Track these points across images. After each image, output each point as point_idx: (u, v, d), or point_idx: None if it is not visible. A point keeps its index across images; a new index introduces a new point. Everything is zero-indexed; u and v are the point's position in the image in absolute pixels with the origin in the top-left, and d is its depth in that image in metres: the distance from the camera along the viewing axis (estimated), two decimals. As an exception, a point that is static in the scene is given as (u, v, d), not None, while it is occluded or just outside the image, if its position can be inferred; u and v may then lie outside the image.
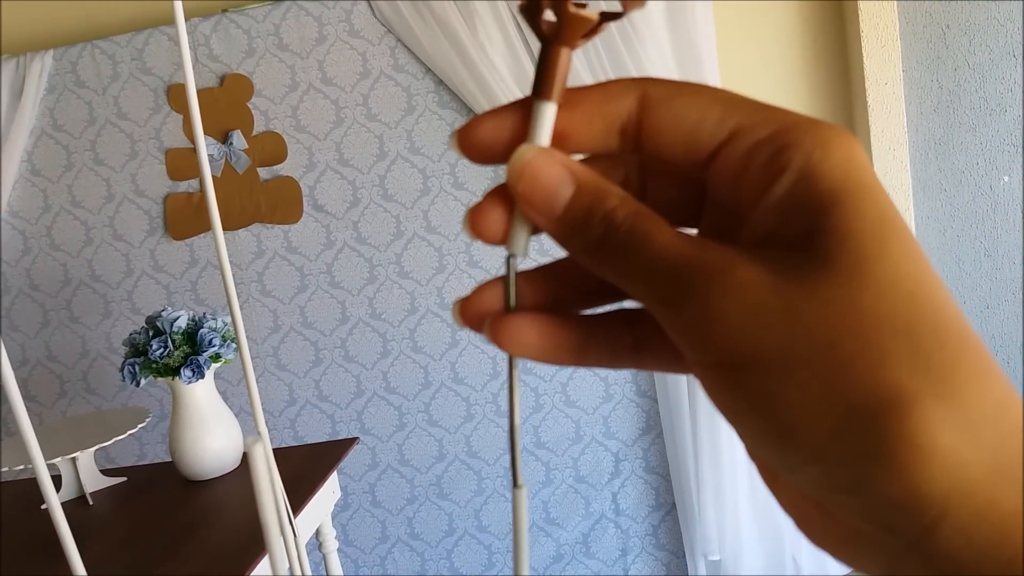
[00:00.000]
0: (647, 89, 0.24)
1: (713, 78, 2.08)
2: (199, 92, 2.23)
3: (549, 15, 0.24)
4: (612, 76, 2.01)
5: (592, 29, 0.24)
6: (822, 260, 0.21)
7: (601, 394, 2.29)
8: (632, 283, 0.23)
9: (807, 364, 0.20)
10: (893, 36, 2.18)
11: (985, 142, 2.25)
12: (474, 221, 0.26)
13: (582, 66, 2.03)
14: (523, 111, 0.25)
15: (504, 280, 0.26)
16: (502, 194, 0.25)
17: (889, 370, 0.19)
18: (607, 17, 0.24)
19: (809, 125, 0.23)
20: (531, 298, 0.27)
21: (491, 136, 0.25)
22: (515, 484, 0.26)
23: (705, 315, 0.21)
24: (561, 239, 0.24)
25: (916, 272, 0.21)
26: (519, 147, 0.24)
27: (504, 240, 0.26)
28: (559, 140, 0.25)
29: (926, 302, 0.20)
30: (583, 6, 0.23)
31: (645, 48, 2.02)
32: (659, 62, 2.04)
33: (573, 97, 0.25)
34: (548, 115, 0.24)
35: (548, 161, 0.24)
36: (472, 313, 0.26)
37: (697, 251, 0.22)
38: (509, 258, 0.26)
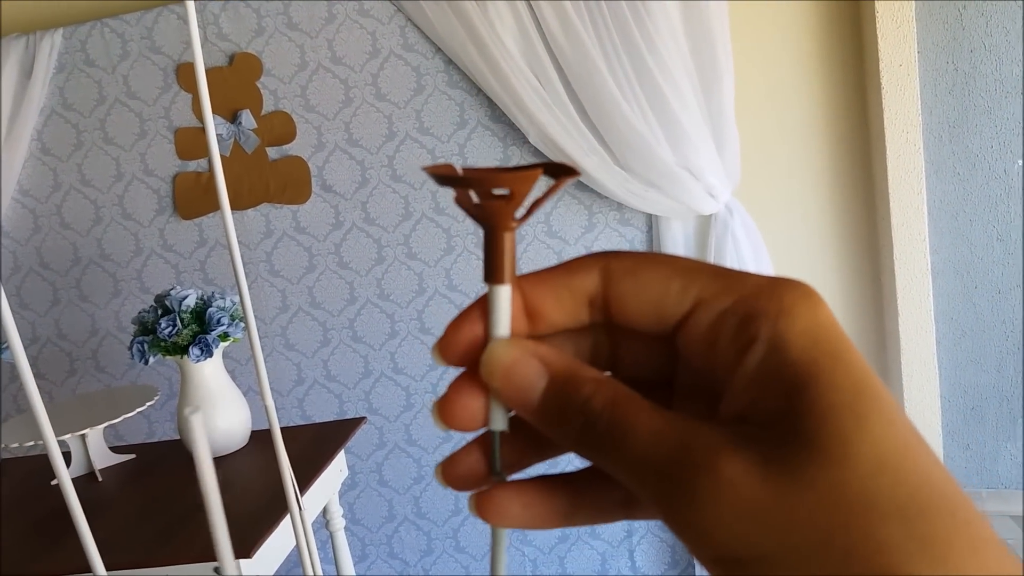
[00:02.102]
0: (609, 263, 0.25)
1: (726, 59, 2.05)
2: (208, 71, 2.23)
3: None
4: (632, 75, 1.99)
5: (525, 214, 0.24)
6: (805, 443, 0.21)
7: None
8: (620, 476, 0.23)
9: (806, 560, 0.20)
10: (908, 17, 2.15)
11: (1000, 125, 2.22)
12: (444, 413, 0.26)
13: (604, 65, 2.01)
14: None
15: (487, 448, 0.26)
16: (466, 381, 0.26)
17: (887, 557, 0.19)
18: (536, 203, 0.24)
19: (771, 290, 0.23)
20: (511, 454, 0.27)
21: (465, 341, 0.26)
22: (491, 424, 0.26)
23: (697, 512, 0.21)
24: (543, 429, 0.25)
25: (898, 445, 0.21)
26: (490, 344, 0.25)
27: (479, 425, 0.26)
28: (532, 318, 0.25)
29: (912, 478, 0.20)
30: (504, 196, 0.24)
31: (657, 27, 2.00)
32: (671, 39, 2.02)
33: (540, 277, 0.25)
34: (504, 298, 0.24)
35: (519, 354, 0.24)
36: (454, 477, 0.26)
37: (681, 440, 0.22)
38: (492, 433, 0.26)
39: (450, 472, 0.26)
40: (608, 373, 0.25)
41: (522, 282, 0.25)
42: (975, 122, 2.23)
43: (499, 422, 0.26)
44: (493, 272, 0.24)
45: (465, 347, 0.26)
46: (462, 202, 0.24)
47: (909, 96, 2.18)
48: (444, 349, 0.26)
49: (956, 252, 2.31)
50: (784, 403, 0.21)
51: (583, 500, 0.26)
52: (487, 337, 0.25)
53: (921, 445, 0.21)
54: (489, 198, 0.24)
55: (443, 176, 0.24)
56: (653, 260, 0.25)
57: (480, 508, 0.26)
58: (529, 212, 0.24)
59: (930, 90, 2.23)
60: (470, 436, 0.27)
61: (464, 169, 0.23)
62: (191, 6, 0.36)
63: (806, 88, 2.27)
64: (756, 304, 0.23)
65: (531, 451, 0.27)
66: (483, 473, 0.26)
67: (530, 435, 0.26)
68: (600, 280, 0.25)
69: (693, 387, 0.25)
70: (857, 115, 2.29)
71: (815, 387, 0.21)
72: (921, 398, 2.29)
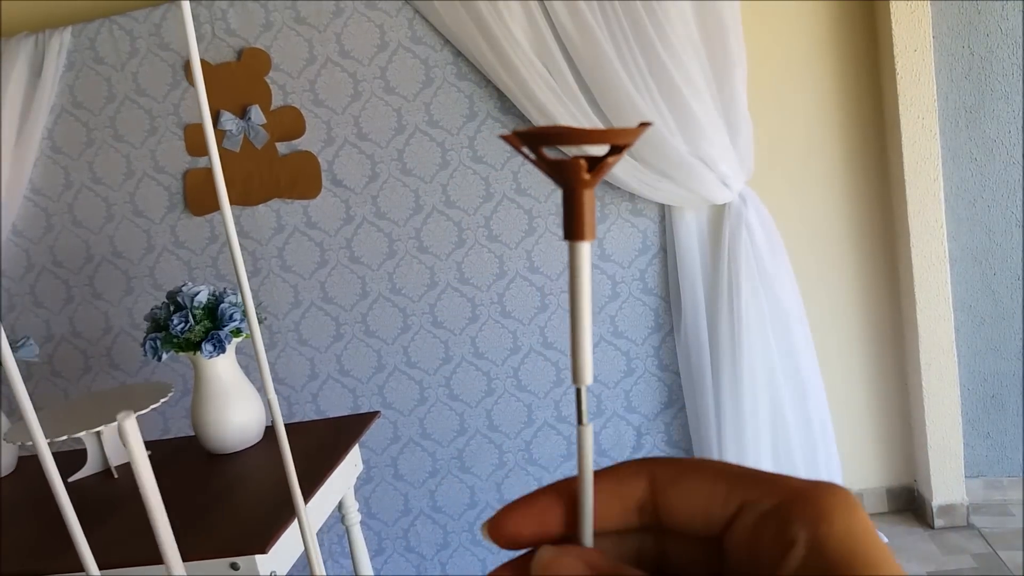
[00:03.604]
0: (654, 471, 0.27)
1: (738, 47, 2.03)
2: (217, 67, 2.22)
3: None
4: (643, 65, 1.97)
5: (598, 172, 0.25)
6: None
7: (623, 368, 2.28)
8: None
9: None
10: (923, 1, 2.12)
11: (1018, 110, 2.19)
12: None
13: (615, 54, 1.99)
14: (546, 501, 0.27)
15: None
16: (511, 568, 0.27)
17: None
18: (608, 162, 0.25)
19: (809, 495, 0.24)
20: None
21: (517, 529, 0.27)
22: (580, 422, 0.26)
23: None
24: None
25: None
26: (539, 550, 0.26)
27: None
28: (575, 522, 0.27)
29: None
30: (584, 156, 0.24)
31: (668, 15, 1.98)
32: (682, 27, 2.00)
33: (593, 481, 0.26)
34: (587, 253, 0.25)
35: (566, 561, 0.25)
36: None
37: None
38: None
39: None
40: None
41: (571, 486, 0.27)
42: (992, 107, 2.20)
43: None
44: (577, 229, 0.25)
45: (524, 536, 0.27)
46: (543, 164, 0.25)
47: (924, 81, 2.15)
48: (497, 532, 0.27)
49: (974, 239, 2.28)
50: None
51: None
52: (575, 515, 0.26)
53: None
54: (603, 165, 0.24)
55: (536, 135, 0.24)
56: (698, 467, 0.27)
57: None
58: (602, 171, 0.25)
59: (946, 75, 2.20)
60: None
61: (555, 127, 0.24)
62: (186, 7, 0.35)
63: (820, 75, 2.25)
64: (795, 509, 0.24)
65: None
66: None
67: None
68: (648, 486, 0.27)
69: None
70: (872, 101, 2.26)
71: None
72: (940, 387, 2.27)
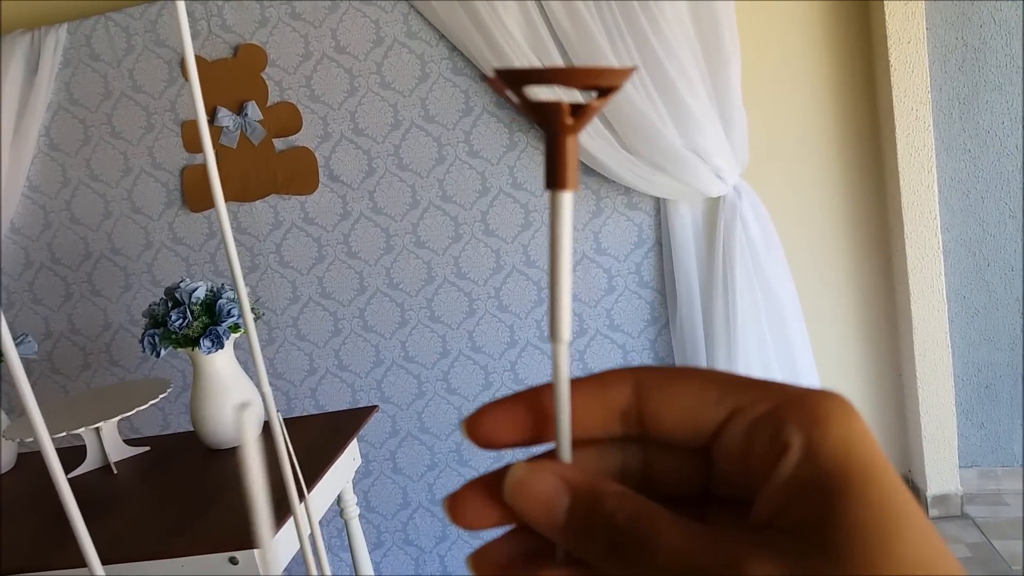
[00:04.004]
0: (640, 377, 0.25)
1: (732, 40, 2.04)
2: (213, 63, 2.23)
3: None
4: (637, 58, 1.98)
5: (582, 117, 0.24)
6: (834, 556, 0.21)
7: (619, 362, 2.29)
8: None
9: None
10: (916, -7, 2.13)
11: (1011, 101, 2.20)
12: (455, 512, 0.26)
13: (609, 48, 1.99)
14: (527, 403, 0.26)
15: (518, 542, 0.26)
16: (482, 485, 0.26)
17: None
18: (593, 108, 0.24)
19: (806, 400, 0.23)
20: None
21: (494, 429, 0.26)
22: (554, 339, 0.26)
23: None
24: (572, 548, 0.25)
25: (924, 562, 0.21)
26: (511, 467, 0.25)
27: (486, 524, 0.26)
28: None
29: None
30: (561, 102, 0.23)
31: (662, 8, 1.98)
32: (676, 20, 2.00)
33: (572, 389, 0.25)
34: (569, 203, 0.24)
35: (541, 476, 0.24)
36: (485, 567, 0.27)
37: (704, 553, 0.22)
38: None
39: (480, 563, 0.27)
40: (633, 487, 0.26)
41: (551, 390, 0.26)
42: (986, 98, 2.21)
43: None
44: (559, 177, 0.24)
45: (500, 436, 0.26)
46: (525, 106, 0.24)
47: (918, 73, 2.16)
48: (475, 429, 0.26)
49: (967, 230, 2.29)
50: (813, 513, 0.21)
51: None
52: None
53: (947, 560, 0.21)
54: (586, 110, 0.23)
55: (519, 74, 0.23)
56: (686, 373, 0.25)
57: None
58: (586, 115, 0.23)
59: (939, 66, 2.20)
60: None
61: (539, 68, 0.23)
62: (181, 6, 0.36)
63: (814, 68, 2.25)
64: (790, 413, 0.23)
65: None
66: (515, 566, 0.27)
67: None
68: (633, 394, 0.25)
69: (727, 497, 0.26)
70: (866, 93, 2.27)
71: (845, 500, 0.21)
72: (934, 377, 2.28)
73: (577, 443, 0.26)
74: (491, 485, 0.26)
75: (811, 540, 0.21)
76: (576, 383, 0.26)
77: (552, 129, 0.24)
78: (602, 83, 0.23)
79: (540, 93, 0.23)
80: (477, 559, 0.27)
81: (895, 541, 0.21)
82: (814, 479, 0.22)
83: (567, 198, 0.24)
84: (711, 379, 0.25)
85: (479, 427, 0.26)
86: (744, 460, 0.24)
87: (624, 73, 0.23)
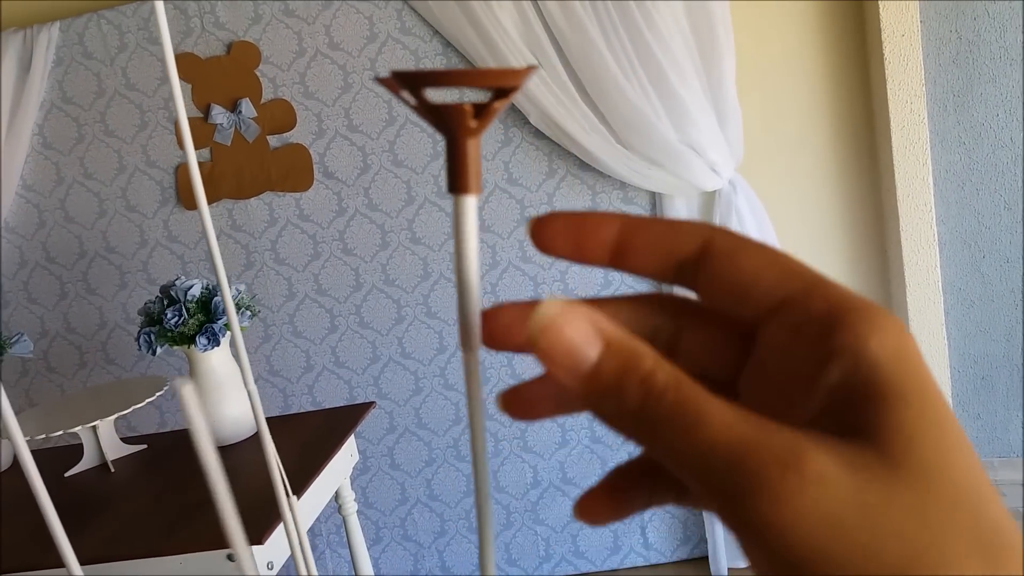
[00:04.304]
0: (714, 237, 0.24)
1: (726, 33, 2.04)
2: (206, 60, 2.22)
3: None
4: (631, 52, 1.98)
5: (484, 119, 0.23)
6: (891, 461, 0.20)
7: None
8: (684, 464, 0.21)
9: None
10: (910, -15, 2.13)
11: (1005, 93, 2.20)
12: (510, 403, 0.26)
13: (603, 42, 1.99)
14: (606, 219, 0.25)
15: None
16: (516, 308, 0.25)
17: None
18: (494, 108, 0.23)
19: (864, 308, 0.22)
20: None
21: (555, 233, 0.25)
22: (464, 348, 0.25)
23: (778, 511, 0.20)
24: (592, 404, 0.23)
25: (976, 485, 0.21)
26: (542, 303, 0.23)
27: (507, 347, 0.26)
28: (621, 251, 0.25)
29: (990, 516, 0.20)
30: (465, 103, 0.23)
31: (655, 2, 1.98)
32: (669, 14, 2.00)
33: (645, 222, 0.25)
34: (472, 208, 0.23)
35: (572, 318, 0.22)
36: (519, 408, 0.27)
37: (762, 433, 0.20)
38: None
39: (512, 400, 0.26)
40: None
41: (626, 219, 0.25)
42: (980, 91, 2.21)
43: None
44: (461, 181, 0.23)
45: (559, 247, 0.25)
46: (423, 109, 0.23)
47: (912, 66, 2.16)
48: (539, 231, 0.25)
49: (963, 222, 2.29)
50: (867, 419, 0.21)
51: (658, 486, 0.26)
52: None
53: (994, 492, 0.21)
54: (489, 110, 0.23)
55: (416, 76, 0.22)
56: (756, 246, 0.24)
57: (584, 514, 0.26)
58: (488, 116, 0.23)
59: (933, 60, 2.21)
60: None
61: (437, 71, 0.22)
62: (160, 6, 0.36)
63: (808, 60, 2.25)
64: (847, 317, 0.22)
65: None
66: (549, 405, 0.26)
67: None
68: (699, 250, 0.24)
69: (760, 389, 0.24)
70: (860, 86, 2.27)
71: (903, 410, 0.21)
72: (931, 369, 2.29)
73: (617, 298, 0.25)
74: (524, 312, 0.25)
75: (866, 442, 0.20)
76: (653, 220, 0.25)
77: (453, 132, 0.23)
78: (502, 84, 0.22)
79: (439, 95, 0.23)
80: (508, 397, 0.26)
81: (949, 458, 0.20)
82: (869, 385, 0.21)
83: (471, 202, 0.23)
84: (776, 260, 0.24)
85: (544, 229, 0.25)
86: (789, 354, 0.23)
87: (523, 73, 0.23)
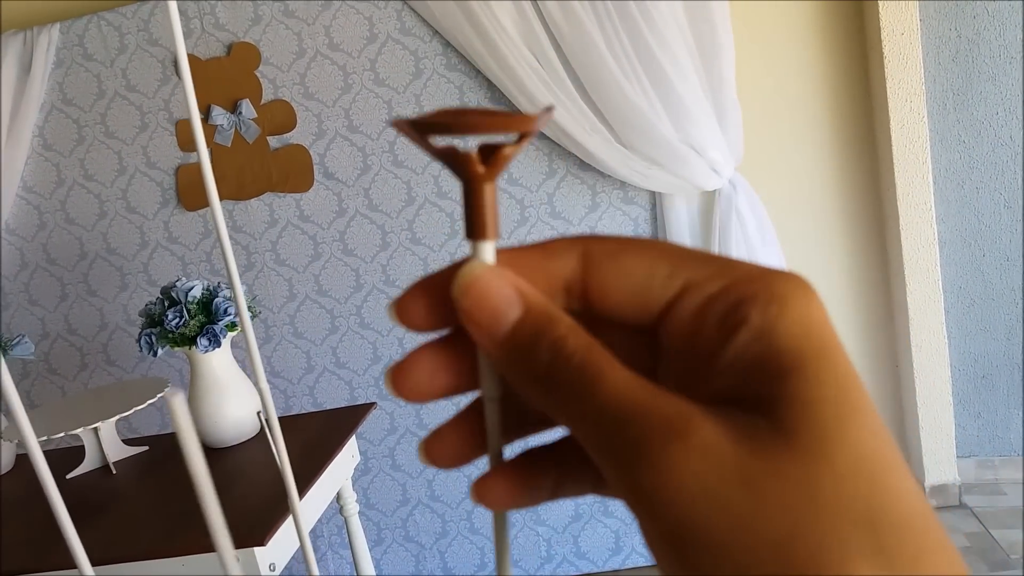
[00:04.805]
0: (589, 247, 0.24)
1: (725, 32, 2.04)
2: (206, 62, 2.22)
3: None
4: (631, 51, 1.98)
5: (497, 163, 0.23)
6: (783, 432, 0.20)
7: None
8: (579, 426, 0.21)
9: (767, 556, 0.19)
10: (910, -16, 2.13)
11: (1005, 91, 2.20)
12: (397, 379, 0.25)
13: (602, 42, 1.99)
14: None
15: (471, 423, 0.25)
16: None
17: (852, 565, 0.18)
18: (509, 152, 0.23)
19: (764, 278, 0.22)
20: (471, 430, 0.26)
21: (431, 303, 0.24)
22: (485, 396, 0.25)
23: (660, 478, 0.20)
24: (505, 364, 0.23)
25: (876, 452, 0.20)
26: (468, 263, 0.23)
27: (436, 392, 0.25)
28: None
29: (887, 488, 0.19)
30: (497, 147, 0.22)
31: (655, 1, 1.98)
32: (669, 13, 2.00)
33: (515, 255, 0.24)
34: (491, 255, 0.23)
35: (497, 280, 0.23)
36: (438, 455, 0.26)
37: (654, 400, 0.21)
38: (487, 401, 0.25)
39: (433, 449, 0.26)
40: None
41: (498, 254, 0.24)
42: (980, 89, 2.21)
43: (492, 385, 0.24)
44: (479, 228, 0.23)
45: (431, 309, 0.24)
46: (435, 154, 0.22)
47: (912, 64, 2.16)
48: (402, 310, 0.24)
49: (963, 221, 2.29)
50: (766, 391, 0.20)
51: (571, 472, 0.25)
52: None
53: (897, 458, 0.20)
54: (498, 157, 0.22)
55: (421, 124, 0.21)
56: (638, 244, 0.24)
57: (478, 497, 0.25)
58: (498, 163, 0.22)
59: (933, 58, 2.21)
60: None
61: (445, 117, 0.21)
62: (173, 6, 0.36)
63: (808, 60, 2.25)
64: (747, 290, 0.22)
65: (514, 427, 0.26)
66: (469, 450, 0.26)
67: (514, 411, 0.25)
68: (579, 265, 0.24)
69: (675, 380, 0.24)
70: (860, 85, 2.27)
71: (800, 379, 0.20)
72: (931, 368, 2.29)
73: (532, 246, 0.25)
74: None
75: (761, 415, 0.20)
76: (519, 251, 0.24)
77: (464, 178, 0.22)
78: (512, 130, 0.22)
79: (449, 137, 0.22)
80: (429, 444, 0.26)
81: (847, 425, 0.20)
82: (768, 357, 0.21)
83: (489, 249, 0.23)
84: (663, 251, 0.23)
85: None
86: (694, 338, 0.22)
87: (534, 119, 0.22)
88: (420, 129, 0.22)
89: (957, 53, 2.20)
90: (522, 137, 0.22)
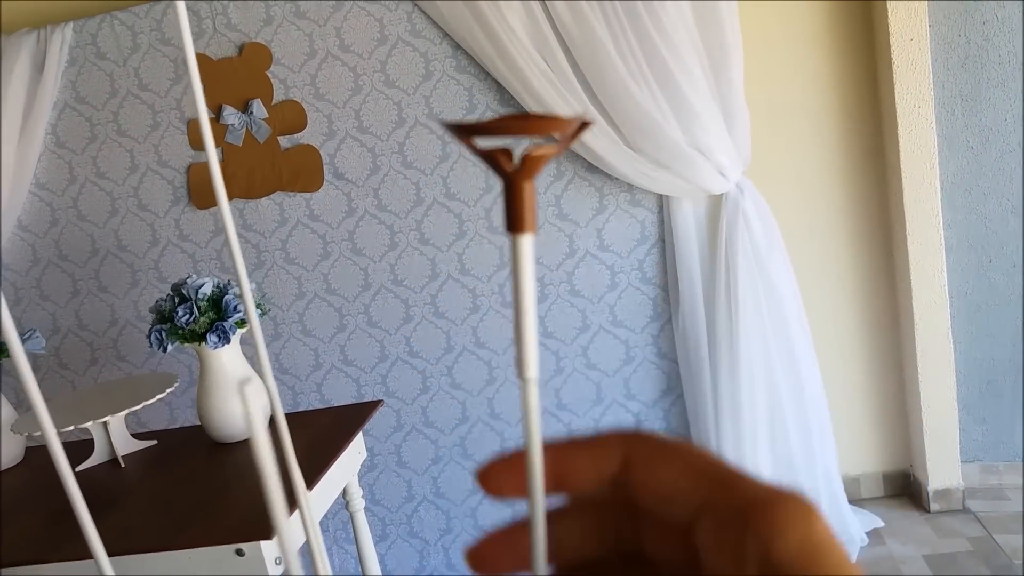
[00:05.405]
0: (631, 449, 0.26)
1: (734, 37, 2.04)
2: (218, 62, 2.24)
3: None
4: (640, 55, 1.99)
5: (529, 162, 0.24)
6: None
7: (622, 357, 2.30)
8: None
9: None
10: (919, -10, 2.14)
11: (1014, 98, 2.20)
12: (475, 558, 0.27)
13: (612, 45, 2.00)
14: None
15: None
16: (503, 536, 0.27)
17: None
18: (548, 154, 0.24)
19: (766, 505, 0.23)
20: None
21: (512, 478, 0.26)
22: (521, 376, 0.26)
23: None
24: None
25: None
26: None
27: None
28: (559, 480, 0.26)
29: None
30: (525, 149, 0.24)
31: (664, 5, 1.99)
32: (678, 17, 2.01)
33: (566, 454, 0.26)
34: (530, 245, 0.25)
35: None
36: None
37: None
38: None
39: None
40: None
41: (551, 447, 0.26)
42: (988, 95, 2.22)
43: (542, 567, 0.26)
44: (517, 221, 0.24)
45: (511, 483, 0.27)
46: (479, 154, 0.24)
47: (921, 70, 2.17)
48: (488, 481, 0.27)
49: (970, 227, 2.30)
50: None
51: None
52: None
53: None
54: (529, 157, 0.24)
55: (463, 127, 0.23)
56: (673, 453, 0.25)
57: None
58: (534, 164, 0.24)
59: (942, 64, 2.21)
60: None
61: (488, 120, 0.23)
62: (182, 6, 0.37)
63: (817, 65, 2.26)
64: (751, 519, 0.23)
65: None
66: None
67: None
68: (623, 463, 0.26)
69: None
70: (868, 90, 2.27)
71: None
72: (936, 373, 2.29)
73: (578, 499, 0.27)
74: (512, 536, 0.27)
75: None
76: (570, 447, 0.26)
77: (505, 176, 0.24)
78: (551, 132, 0.23)
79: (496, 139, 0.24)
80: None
81: None
82: None
83: (527, 240, 0.24)
84: (689, 467, 0.25)
85: (489, 481, 0.27)
86: (717, 555, 0.24)
87: (570, 123, 0.24)
88: (462, 132, 0.24)
89: (966, 59, 2.21)
90: (562, 140, 0.24)
